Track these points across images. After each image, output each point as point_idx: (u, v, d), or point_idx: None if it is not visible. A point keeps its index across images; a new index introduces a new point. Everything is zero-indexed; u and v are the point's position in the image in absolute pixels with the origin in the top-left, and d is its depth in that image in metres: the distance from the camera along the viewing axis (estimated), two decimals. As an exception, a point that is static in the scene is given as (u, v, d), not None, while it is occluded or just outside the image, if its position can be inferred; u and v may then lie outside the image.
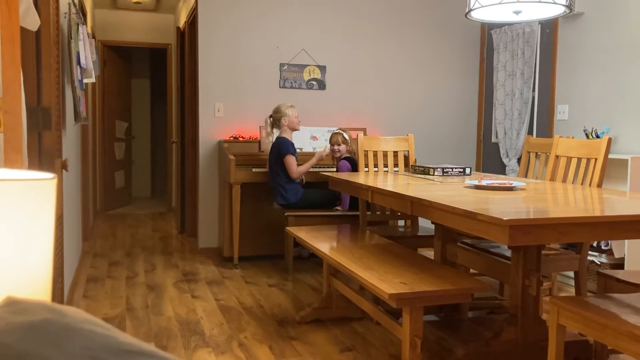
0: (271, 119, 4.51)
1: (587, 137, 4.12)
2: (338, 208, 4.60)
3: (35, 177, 0.80)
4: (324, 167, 4.79)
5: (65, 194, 3.53)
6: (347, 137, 4.51)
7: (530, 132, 5.01)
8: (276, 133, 4.52)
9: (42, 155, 2.54)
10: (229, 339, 3.11)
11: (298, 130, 4.57)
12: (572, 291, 4.01)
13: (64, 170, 3.26)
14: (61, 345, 0.48)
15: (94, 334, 0.50)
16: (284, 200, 4.44)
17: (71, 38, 3.46)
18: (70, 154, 3.96)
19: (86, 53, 3.82)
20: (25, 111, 1.56)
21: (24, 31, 2.21)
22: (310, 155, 4.70)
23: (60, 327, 0.50)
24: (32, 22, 1.51)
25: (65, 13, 3.54)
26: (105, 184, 7.55)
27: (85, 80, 3.99)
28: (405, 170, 4.11)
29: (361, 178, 3.37)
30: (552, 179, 3.35)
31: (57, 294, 2.93)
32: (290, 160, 4.35)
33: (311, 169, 4.58)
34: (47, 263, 0.79)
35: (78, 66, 3.63)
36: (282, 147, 4.37)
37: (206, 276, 4.43)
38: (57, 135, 3.00)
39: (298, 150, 4.61)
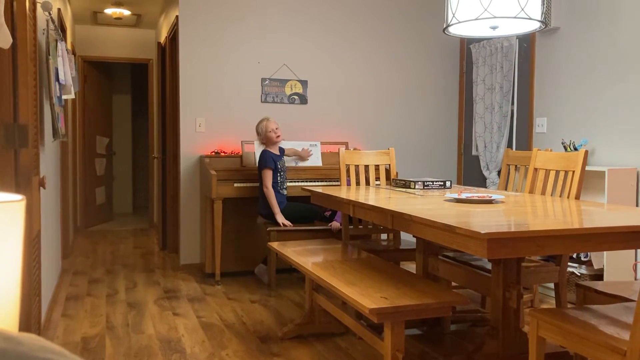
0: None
1: (565, 149, 4.17)
2: (336, 223, 4.50)
3: (1, 200, 0.79)
4: (333, 182, 4.82)
5: (44, 212, 3.48)
6: None
7: (509, 145, 5.06)
8: (262, 146, 4.57)
9: (19, 173, 2.50)
10: (211, 356, 3.08)
11: (276, 142, 4.54)
12: (553, 302, 4.03)
13: (42, 188, 3.21)
14: (17, 375, 0.47)
15: (51, 362, 0.49)
16: (267, 211, 4.43)
17: (49, 54, 3.43)
18: (49, 171, 3.92)
19: (65, 69, 3.79)
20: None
21: (-1, 48, 2.19)
22: (294, 169, 4.74)
23: (16, 356, 0.49)
24: (4, 39, 1.50)
25: (44, 29, 3.52)
26: (85, 201, 7.47)
27: (64, 97, 3.95)
28: (386, 184, 4.12)
29: (342, 192, 3.38)
30: (532, 191, 3.38)
31: (35, 313, 2.88)
32: (266, 174, 4.38)
33: (295, 184, 4.59)
34: (14, 288, 0.77)
35: (57, 82, 3.60)
36: (261, 160, 4.43)
37: (188, 293, 4.38)
38: (34, 152, 2.97)
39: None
